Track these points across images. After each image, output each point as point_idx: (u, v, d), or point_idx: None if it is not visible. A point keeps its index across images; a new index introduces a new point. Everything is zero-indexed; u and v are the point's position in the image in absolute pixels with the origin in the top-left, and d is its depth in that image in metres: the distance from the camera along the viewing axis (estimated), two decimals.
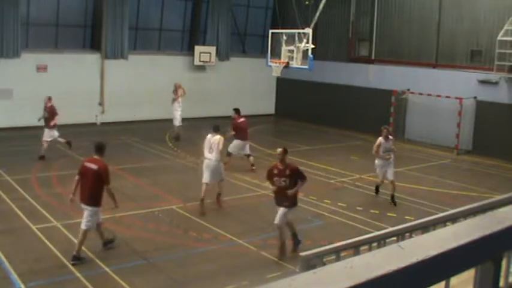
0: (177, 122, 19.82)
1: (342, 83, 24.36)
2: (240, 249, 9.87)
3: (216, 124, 12.50)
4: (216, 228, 10.76)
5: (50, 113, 16.48)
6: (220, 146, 11.87)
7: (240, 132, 15.60)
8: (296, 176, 9.54)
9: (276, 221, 9.46)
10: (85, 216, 8.98)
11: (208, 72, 25.84)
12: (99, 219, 9.23)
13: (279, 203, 9.58)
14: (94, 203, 9.03)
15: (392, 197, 13.04)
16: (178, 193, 13.17)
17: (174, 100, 19.93)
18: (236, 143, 15.61)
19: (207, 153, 11.90)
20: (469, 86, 19.57)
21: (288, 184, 9.42)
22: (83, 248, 9.04)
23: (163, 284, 8.56)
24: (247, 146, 15.82)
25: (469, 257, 1.50)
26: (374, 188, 13.88)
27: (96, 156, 9.35)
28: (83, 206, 9.07)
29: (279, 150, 9.69)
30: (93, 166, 9.13)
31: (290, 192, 9.37)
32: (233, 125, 15.83)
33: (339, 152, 19.56)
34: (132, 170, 15.36)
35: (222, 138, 12.04)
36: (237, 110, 16.27)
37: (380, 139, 13.58)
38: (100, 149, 9.42)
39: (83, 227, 8.94)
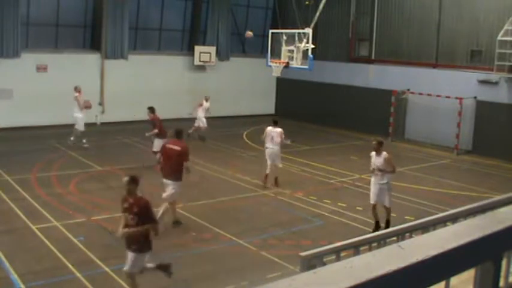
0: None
1: (342, 83, 24.37)
2: (240, 249, 9.87)
3: (275, 118, 14.85)
4: (216, 228, 10.76)
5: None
6: (282, 137, 13.93)
7: (163, 131, 14.94)
8: (143, 216, 7.30)
9: (125, 267, 7.55)
10: (169, 190, 10.54)
11: (208, 72, 25.84)
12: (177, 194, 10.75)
13: (127, 245, 7.45)
14: (177, 178, 10.55)
15: (388, 222, 10.75)
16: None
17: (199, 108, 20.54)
18: (159, 141, 14.62)
19: (268, 143, 13.99)
20: (469, 86, 19.57)
21: (136, 224, 7.27)
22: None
23: (163, 284, 8.55)
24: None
25: (469, 257, 1.50)
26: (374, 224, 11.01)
27: (176, 140, 10.84)
28: (167, 181, 10.57)
29: (125, 179, 7.40)
30: (177, 147, 10.59)
31: (125, 231, 7.30)
32: (158, 124, 15.31)
33: (339, 152, 19.56)
34: (132, 170, 15.33)
35: (282, 131, 14.00)
36: (151, 109, 15.76)
37: (372, 153, 10.90)
38: (179, 133, 10.99)
39: (167, 198, 10.49)
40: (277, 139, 13.89)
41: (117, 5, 22.62)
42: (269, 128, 14.14)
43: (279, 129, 14.03)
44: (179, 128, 10.93)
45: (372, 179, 10.91)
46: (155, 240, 9.99)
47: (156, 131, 15.24)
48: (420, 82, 21.02)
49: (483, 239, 1.49)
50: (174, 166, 10.47)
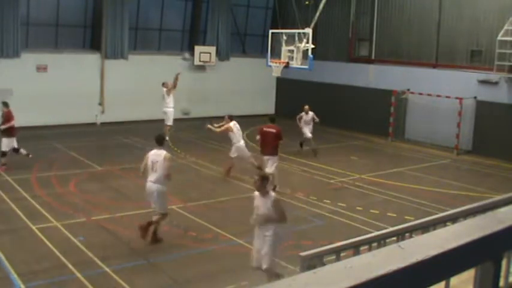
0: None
1: (342, 83, 24.36)
2: (240, 249, 9.86)
3: (272, 116, 15.08)
4: (216, 228, 10.76)
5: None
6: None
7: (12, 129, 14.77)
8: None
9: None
10: (270, 164, 13.16)
11: (208, 72, 25.84)
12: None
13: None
14: (275, 153, 13.36)
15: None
16: (178, 193, 13.16)
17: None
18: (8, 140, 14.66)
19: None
20: (469, 86, 19.56)
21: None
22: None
23: (163, 284, 8.56)
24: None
25: (469, 257, 1.50)
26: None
27: (271, 124, 13.58)
28: (267, 157, 13.31)
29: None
30: (273, 130, 13.35)
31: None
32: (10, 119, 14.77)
33: (339, 152, 19.57)
34: (132, 170, 15.32)
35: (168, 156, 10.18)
36: (5, 103, 15.20)
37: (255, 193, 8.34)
38: (274, 119, 13.89)
39: (272, 171, 12.42)
40: (162, 168, 9.79)
41: (117, 5, 22.62)
42: (152, 152, 10.02)
43: (164, 153, 9.94)
44: (272, 115, 13.83)
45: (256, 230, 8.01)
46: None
47: (9, 125, 14.63)
48: (420, 82, 21.02)
49: (483, 239, 1.49)
50: (272, 144, 13.23)
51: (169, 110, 19.42)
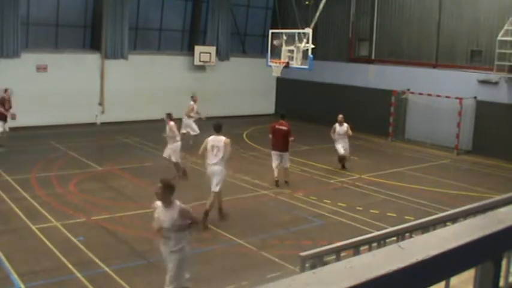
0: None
1: (342, 83, 24.37)
2: (240, 249, 9.86)
3: (283, 112, 15.26)
4: (216, 228, 10.76)
5: None
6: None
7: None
8: None
9: None
10: (284, 160, 14.00)
11: (208, 72, 25.84)
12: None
13: None
14: (286, 149, 13.94)
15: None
16: (178, 193, 13.15)
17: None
18: None
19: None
20: (469, 86, 19.57)
21: None
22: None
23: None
24: None
25: (469, 257, 1.50)
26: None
27: (282, 121, 14.09)
28: (279, 152, 13.91)
29: None
30: (283, 127, 13.94)
31: None
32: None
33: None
34: (132, 170, 15.37)
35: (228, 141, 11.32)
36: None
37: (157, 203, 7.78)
38: (284, 116, 14.43)
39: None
40: (222, 152, 10.96)
41: (117, 5, 22.62)
42: (211, 138, 11.22)
43: (224, 138, 11.07)
44: (283, 110, 13.41)
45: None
46: (155, 240, 10.00)
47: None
48: (420, 82, 21.02)
49: (483, 239, 1.49)
50: (283, 141, 13.83)
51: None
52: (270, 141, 14.42)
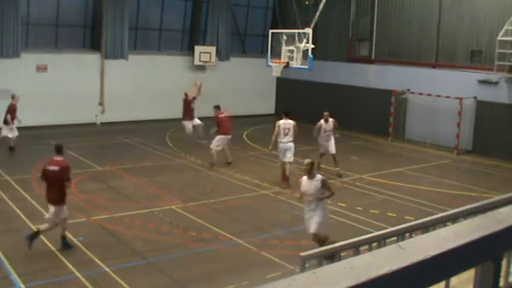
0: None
1: (342, 83, 24.36)
2: (240, 249, 9.87)
3: (286, 110, 14.98)
4: (216, 228, 10.76)
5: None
6: (296, 129, 14.32)
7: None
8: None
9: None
10: (288, 154, 14.11)
11: (208, 72, 25.84)
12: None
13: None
14: (292, 140, 14.20)
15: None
16: (178, 193, 13.18)
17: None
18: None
19: (282, 137, 14.20)
20: (469, 86, 19.56)
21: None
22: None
23: (163, 284, 8.55)
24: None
25: (469, 257, 1.50)
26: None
27: (286, 118, 14.25)
28: (286, 145, 14.11)
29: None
30: (289, 123, 14.17)
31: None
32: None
33: (339, 152, 19.47)
34: (132, 170, 15.37)
35: (295, 123, 14.33)
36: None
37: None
38: (288, 114, 14.44)
39: (290, 160, 14.14)
40: (292, 132, 14.11)
41: (117, 5, 22.62)
42: (282, 121, 14.25)
43: (292, 122, 14.21)
44: (286, 109, 13.90)
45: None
46: (160, 240, 10.01)
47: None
48: (420, 82, 21.02)
49: (483, 239, 1.49)
50: (293, 135, 14.33)
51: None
52: (275, 136, 14.20)
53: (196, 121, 19.03)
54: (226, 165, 16.01)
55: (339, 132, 15.93)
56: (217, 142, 15.94)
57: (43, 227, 9.30)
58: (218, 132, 16.02)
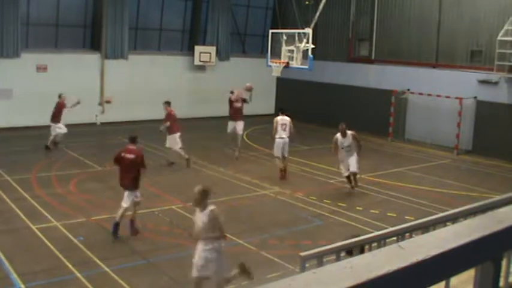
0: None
1: (342, 83, 24.36)
2: (240, 249, 9.86)
3: (282, 107, 15.92)
4: None
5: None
6: (291, 125, 14.87)
7: None
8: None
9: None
10: (286, 149, 14.77)
11: (208, 72, 25.84)
12: None
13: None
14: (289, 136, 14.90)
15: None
16: (178, 193, 13.17)
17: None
18: None
19: (281, 133, 14.75)
20: (469, 86, 19.56)
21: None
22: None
23: (163, 284, 8.55)
24: None
25: (469, 257, 1.50)
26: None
27: (283, 114, 14.99)
28: (284, 141, 14.69)
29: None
30: (286, 119, 14.86)
31: None
32: None
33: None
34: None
35: (291, 120, 14.96)
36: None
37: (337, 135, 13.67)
38: (284, 110, 15.22)
39: (286, 155, 14.92)
40: (289, 128, 14.82)
41: (117, 5, 22.62)
42: (279, 117, 14.94)
43: (288, 118, 14.92)
44: (283, 109, 14.24)
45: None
46: (160, 240, 10.00)
47: None
48: (420, 82, 21.02)
49: (483, 239, 1.49)
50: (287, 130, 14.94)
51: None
52: (274, 132, 14.89)
53: (239, 126, 17.23)
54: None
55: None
56: (177, 141, 15.68)
57: (119, 213, 10.04)
58: (172, 130, 15.61)
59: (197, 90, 25.32)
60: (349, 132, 13.35)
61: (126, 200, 10.05)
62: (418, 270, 1.30)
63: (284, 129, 14.78)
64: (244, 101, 17.49)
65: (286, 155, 14.96)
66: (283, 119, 14.89)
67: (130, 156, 10.25)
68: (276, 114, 15.77)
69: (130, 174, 10.12)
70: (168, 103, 16.03)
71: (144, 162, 10.34)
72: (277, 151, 14.77)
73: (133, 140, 10.77)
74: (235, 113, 17.17)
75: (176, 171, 15.77)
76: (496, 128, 18.87)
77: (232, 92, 17.61)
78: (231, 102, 17.37)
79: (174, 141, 15.71)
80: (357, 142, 13.44)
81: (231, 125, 17.28)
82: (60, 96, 17.32)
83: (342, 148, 13.36)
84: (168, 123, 15.62)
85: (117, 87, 23.00)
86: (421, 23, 21.60)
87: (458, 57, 20.32)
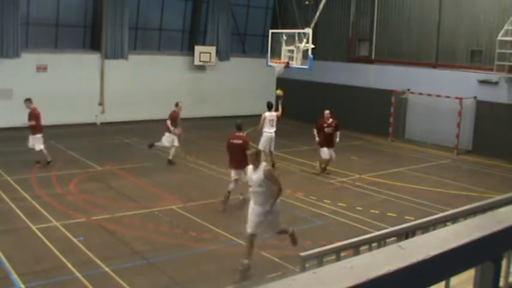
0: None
1: (342, 83, 24.36)
2: (240, 249, 9.85)
3: (269, 103, 15.93)
4: (216, 228, 10.76)
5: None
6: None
7: None
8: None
9: None
10: (273, 144, 15.55)
11: (208, 72, 25.84)
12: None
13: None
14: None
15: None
16: (178, 193, 13.18)
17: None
18: None
19: (268, 128, 15.35)
20: (469, 86, 19.56)
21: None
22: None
23: (163, 284, 8.55)
24: None
25: (469, 257, 1.50)
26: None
27: (270, 110, 15.53)
28: (273, 135, 15.42)
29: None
30: (273, 115, 15.55)
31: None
32: None
33: (339, 152, 19.48)
34: (132, 170, 15.37)
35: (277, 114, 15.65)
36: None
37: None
38: (271, 106, 15.66)
39: (272, 149, 15.57)
40: (276, 123, 15.52)
41: (117, 5, 22.62)
42: (267, 113, 15.51)
43: (275, 113, 15.63)
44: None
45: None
46: (160, 240, 9.99)
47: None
48: (420, 82, 21.02)
49: (483, 239, 1.49)
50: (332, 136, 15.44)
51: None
52: (261, 127, 15.66)
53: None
54: (47, 165, 15.04)
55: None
56: (41, 141, 15.04)
57: (230, 187, 11.86)
58: (36, 130, 14.92)
59: (197, 90, 25.32)
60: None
61: (236, 175, 11.85)
62: (418, 270, 1.30)
63: (272, 125, 15.45)
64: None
65: (272, 150, 15.58)
66: (271, 115, 15.49)
67: (238, 141, 11.81)
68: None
69: (238, 156, 11.54)
70: (29, 100, 15.03)
71: (248, 146, 11.57)
72: (263, 144, 15.23)
73: (239, 128, 12.18)
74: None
75: (176, 171, 15.76)
76: (496, 128, 18.87)
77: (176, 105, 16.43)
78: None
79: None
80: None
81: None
82: (176, 105, 16.23)
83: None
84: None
85: (117, 87, 23.00)
86: (421, 23, 21.60)
87: (458, 57, 20.33)
